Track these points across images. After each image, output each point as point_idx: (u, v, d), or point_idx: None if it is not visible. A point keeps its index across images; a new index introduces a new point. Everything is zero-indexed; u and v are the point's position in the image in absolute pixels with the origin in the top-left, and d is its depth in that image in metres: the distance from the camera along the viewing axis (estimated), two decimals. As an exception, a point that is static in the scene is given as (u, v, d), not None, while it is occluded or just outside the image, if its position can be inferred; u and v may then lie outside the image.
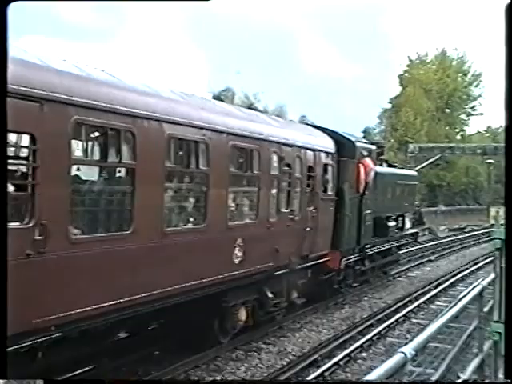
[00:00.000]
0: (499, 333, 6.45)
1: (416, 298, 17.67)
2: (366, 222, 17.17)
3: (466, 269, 24.19)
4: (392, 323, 14.67)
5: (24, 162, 6.80)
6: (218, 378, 10.30)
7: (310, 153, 13.78)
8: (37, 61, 7.22)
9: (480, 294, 8.53)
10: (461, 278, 21.94)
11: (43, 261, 6.89)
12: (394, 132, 58.65)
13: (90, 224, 7.85)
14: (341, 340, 12.89)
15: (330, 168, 14.99)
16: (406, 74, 64.24)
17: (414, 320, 15.31)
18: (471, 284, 13.91)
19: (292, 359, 11.52)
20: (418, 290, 18.97)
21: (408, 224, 22.13)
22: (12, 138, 6.71)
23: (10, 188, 6.63)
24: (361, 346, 12.59)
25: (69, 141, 7.24)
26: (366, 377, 4.28)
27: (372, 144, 19.07)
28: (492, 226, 37.58)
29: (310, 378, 10.56)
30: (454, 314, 7.16)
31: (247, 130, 11.17)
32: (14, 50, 6.99)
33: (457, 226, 48.87)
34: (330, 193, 15.11)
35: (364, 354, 12.28)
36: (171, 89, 10.04)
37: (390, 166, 21.83)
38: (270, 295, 12.65)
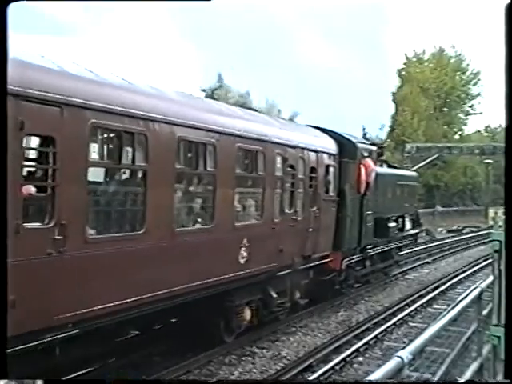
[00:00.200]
0: (498, 336, 6.41)
1: (413, 301, 17.76)
2: (367, 223, 17.66)
3: (465, 271, 24.37)
4: (389, 327, 14.70)
5: (45, 164, 7.23)
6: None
7: (312, 154, 14.26)
8: (55, 66, 7.66)
9: (479, 296, 8.57)
10: (459, 280, 22.07)
11: (62, 259, 7.33)
12: (391, 131, 58.74)
13: (104, 224, 8.30)
14: (337, 344, 12.92)
15: (331, 169, 15.47)
16: (403, 73, 64.44)
17: (412, 323, 15.37)
18: (470, 287, 14.36)
19: (287, 364, 11.55)
20: (416, 293, 19.07)
21: (408, 225, 22.64)
22: (35, 141, 7.14)
23: (32, 189, 7.09)
24: (357, 350, 12.62)
25: (86, 144, 7.68)
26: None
27: (372, 144, 19.56)
28: (491, 227, 37.95)
29: (305, 382, 10.77)
30: (452, 318, 7.21)
31: (253, 131, 11.64)
32: (31, 55, 7.47)
33: (455, 228, 49.06)
34: (331, 193, 15.60)
35: (360, 359, 12.31)
36: (180, 91, 10.49)
37: (389, 166, 22.38)
38: (274, 295, 13.09)
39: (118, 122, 8.17)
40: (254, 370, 11.18)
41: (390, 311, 16.34)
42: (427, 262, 27.23)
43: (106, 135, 8.25)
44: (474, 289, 8.76)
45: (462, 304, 7.99)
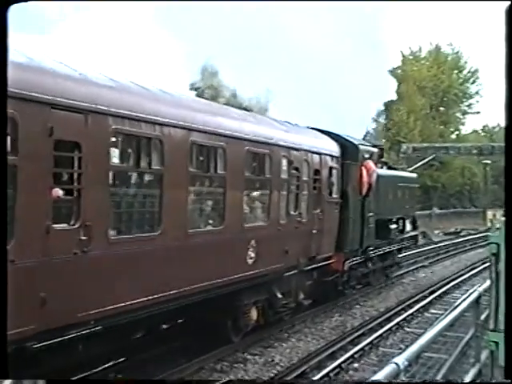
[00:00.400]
0: (496, 342, 6.31)
1: (410, 306, 17.85)
2: (369, 225, 18.32)
3: (462, 275, 24.56)
4: (385, 332, 14.72)
5: (71, 168, 7.83)
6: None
7: (316, 156, 14.90)
8: (77, 74, 8.26)
9: (476, 301, 8.83)
10: (456, 284, 22.24)
11: (87, 259, 7.93)
12: (386, 131, 58.63)
13: (123, 225, 8.90)
14: (331, 350, 12.97)
15: (334, 171, 16.13)
16: (399, 71, 64.43)
17: (408, 329, 15.42)
18: (467, 291, 14.21)
19: (280, 371, 11.63)
20: (412, 298, 19.20)
21: (408, 226, 23.32)
22: (62, 146, 7.73)
23: (60, 192, 7.69)
24: (352, 356, 12.67)
25: (108, 148, 8.30)
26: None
27: (373, 146, 20.22)
28: (489, 229, 36.80)
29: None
30: (449, 323, 7.39)
31: (260, 135, 12.28)
32: (56, 63, 8.08)
33: (452, 230, 49.21)
34: (334, 195, 16.25)
35: (355, 365, 12.37)
36: (192, 96, 11.10)
37: (390, 168, 23.06)
38: (279, 295, 13.71)
39: (136, 127, 8.78)
40: (246, 377, 11.31)
41: (386, 316, 16.43)
42: (423, 266, 27.42)
43: (125, 140, 8.84)
44: (472, 293, 8.99)
45: (459, 309, 8.13)
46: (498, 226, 6.60)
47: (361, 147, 17.75)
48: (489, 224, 44.49)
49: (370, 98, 25.51)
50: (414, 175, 27.47)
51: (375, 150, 19.56)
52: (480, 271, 24.70)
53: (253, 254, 12.03)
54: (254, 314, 12.96)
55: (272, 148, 12.66)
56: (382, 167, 20.88)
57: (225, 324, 12.48)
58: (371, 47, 25.63)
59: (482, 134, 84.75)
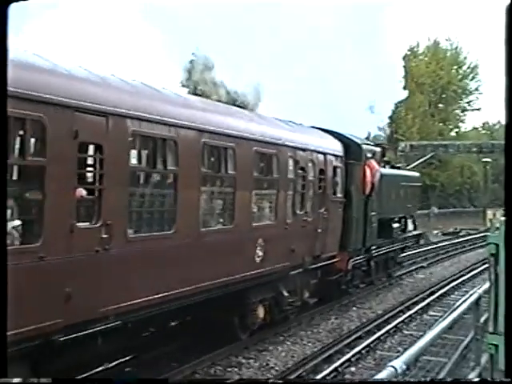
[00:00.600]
0: (495, 345, 6.25)
1: (408, 308, 17.93)
2: (372, 224, 18.93)
3: (462, 275, 24.68)
4: (382, 335, 14.77)
5: (93, 169, 8.40)
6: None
7: (321, 156, 15.50)
8: (98, 78, 8.83)
9: (476, 302, 8.82)
10: (456, 285, 22.28)
11: (107, 256, 8.49)
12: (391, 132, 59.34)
13: (140, 224, 9.47)
14: (327, 353, 13.03)
15: (338, 170, 16.73)
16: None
17: (406, 331, 15.47)
18: (467, 292, 15.00)
19: (275, 375, 11.70)
20: (410, 299, 19.30)
21: (410, 226, 23.96)
22: (83, 148, 8.29)
23: (83, 192, 8.26)
24: (349, 359, 12.71)
25: (127, 150, 8.87)
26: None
27: (376, 145, 20.83)
28: (489, 229, 37.71)
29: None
30: (448, 325, 7.29)
31: (267, 135, 12.87)
32: (77, 67, 8.65)
33: (451, 230, 49.18)
34: (338, 195, 16.86)
35: (352, 369, 12.42)
36: (201, 98, 11.69)
37: (392, 167, 23.69)
38: (285, 294, 14.29)
39: (152, 129, 9.35)
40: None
41: (383, 318, 16.50)
42: (422, 267, 27.54)
43: (142, 142, 9.41)
44: (472, 294, 9.06)
45: (458, 310, 8.11)
46: (497, 225, 6.39)
47: (364, 146, 18.35)
48: (488, 224, 44.10)
49: (369, 95, 25.93)
50: (417, 174, 28.12)
51: (378, 149, 20.19)
52: (480, 272, 24.89)
53: (261, 253, 12.60)
54: (261, 311, 13.52)
55: (279, 148, 13.25)
56: (384, 166, 21.47)
57: (232, 322, 13.03)
58: (370, 43, 26.15)
59: (482, 131, 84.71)
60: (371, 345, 13.93)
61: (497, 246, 6.18)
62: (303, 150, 14.47)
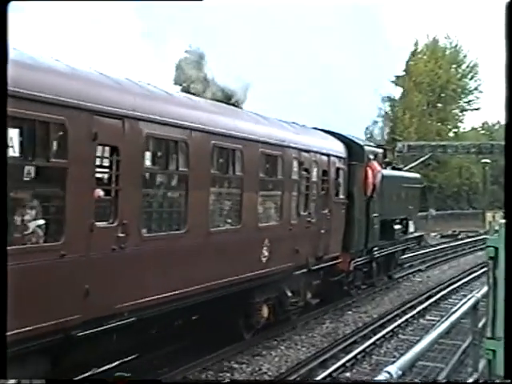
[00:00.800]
0: (493, 351, 6.23)
1: (404, 312, 18.08)
2: (374, 225, 19.51)
3: (460, 279, 24.92)
4: (378, 340, 14.88)
5: (110, 170, 8.93)
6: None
7: (324, 157, 16.08)
8: (114, 82, 9.37)
9: (474, 307, 8.84)
10: (454, 289, 22.48)
11: (123, 255, 9.03)
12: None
13: (153, 224, 10.02)
14: (322, 358, 13.11)
15: (341, 172, 17.31)
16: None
17: (402, 336, 15.62)
18: (465, 296, 14.66)
19: (267, 380, 11.82)
20: (407, 303, 19.44)
21: (412, 227, 24.56)
22: (101, 149, 8.83)
23: (101, 193, 8.79)
24: (344, 364, 12.82)
25: (142, 152, 9.41)
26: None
27: (377, 146, 21.42)
28: (488, 232, 37.56)
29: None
30: (445, 330, 7.30)
31: (273, 137, 13.44)
32: (94, 71, 9.18)
33: (449, 233, 49.25)
34: (341, 196, 17.45)
35: (347, 374, 12.54)
36: (210, 101, 12.24)
37: (394, 168, 24.30)
38: (289, 294, 14.84)
39: (165, 131, 9.89)
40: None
41: (379, 323, 16.65)
42: (420, 270, 27.73)
43: (156, 144, 9.95)
44: (470, 298, 9.00)
45: (456, 315, 8.09)
46: (496, 228, 6.39)
47: (366, 148, 18.93)
48: (487, 226, 44.79)
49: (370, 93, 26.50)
50: (418, 176, 28.75)
51: (380, 150, 20.77)
52: (478, 276, 25.12)
53: (266, 253, 13.16)
54: (265, 311, 14.07)
55: (284, 150, 13.81)
56: (385, 167, 22.04)
57: (237, 321, 13.57)
58: (369, 42, 26.72)
59: (482, 131, 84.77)
60: (367, 350, 14.07)
61: (496, 249, 6.16)
62: (307, 151, 15.03)
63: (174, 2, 19.33)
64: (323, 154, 16.07)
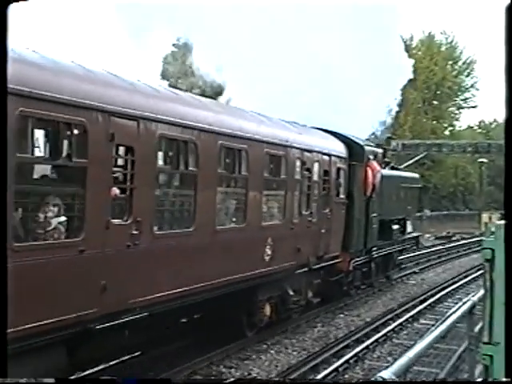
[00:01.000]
0: (490, 356, 6.10)
1: (398, 316, 18.18)
2: (373, 225, 20.20)
3: (455, 282, 25.17)
4: (371, 344, 14.96)
5: (125, 169, 9.55)
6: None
7: (325, 157, 16.76)
8: (128, 84, 9.99)
9: (470, 311, 8.84)
10: (449, 292, 22.64)
11: (137, 251, 9.65)
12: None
13: (164, 222, 10.66)
14: (313, 363, 13.19)
15: (342, 172, 18.01)
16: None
17: (396, 340, 15.72)
18: (460, 299, 15.21)
19: None
20: (401, 307, 19.61)
21: (410, 228, 25.27)
22: (118, 149, 9.45)
23: (117, 191, 9.41)
24: (336, 369, 12.88)
25: (155, 152, 10.04)
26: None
27: (377, 146, 22.11)
28: (484, 233, 36.76)
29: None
30: (440, 334, 7.27)
31: (277, 137, 14.10)
32: (109, 74, 9.80)
33: (444, 234, 49.37)
34: (341, 196, 18.15)
35: (339, 379, 12.58)
36: (217, 102, 12.87)
37: (392, 168, 25.01)
38: (290, 293, 15.50)
39: (176, 132, 10.53)
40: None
41: (373, 326, 16.74)
42: (414, 272, 27.98)
43: (167, 144, 10.59)
44: (465, 302, 9.03)
45: (451, 319, 8.08)
46: (492, 229, 6.24)
47: (366, 148, 19.60)
48: (483, 228, 44.68)
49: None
50: (416, 175, 29.54)
51: (379, 150, 21.46)
52: (474, 279, 25.50)
53: (269, 251, 13.81)
54: (267, 309, 14.72)
55: (287, 150, 14.47)
56: (384, 167, 22.73)
57: (240, 319, 14.22)
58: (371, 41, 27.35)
59: (478, 130, 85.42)
60: (359, 354, 14.16)
61: (492, 251, 6.08)
62: (309, 151, 15.69)
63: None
64: (324, 153, 16.74)
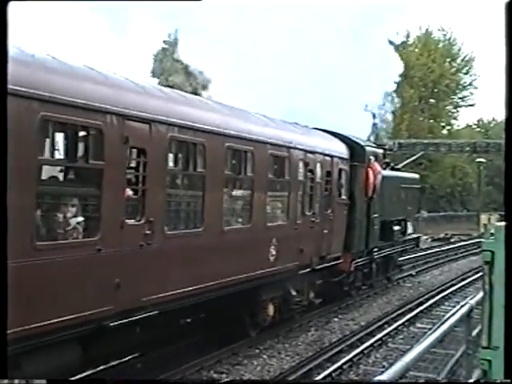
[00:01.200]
0: (489, 361, 6.13)
1: (394, 319, 18.23)
2: (374, 226, 20.80)
3: (453, 285, 25.30)
4: (366, 348, 14.99)
5: (138, 171, 10.11)
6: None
7: (328, 159, 17.37)
8: (140, 88, 10.57)
9: (468, 314, 8.90)
10: (446, 295, 22.79)
11: (149, 250, 10.22)
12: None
13: (175, 222, 11.23)
14: (306, 368, 13.24)
15: (344, 173, 18.63)
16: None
17: (392, 345, 15.76)
18: (458, 303, 15.51)
19: None
20: (397, 310, 19.64)
21: (410, 228, 25.90)
22: (131, 152, 10.01)
23: (130, 192, 9.97)
24: (329, 375, 12.88)
25: (165, 154, 10.61)
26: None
27: (377, 146, 22.73)
28: (482, 235, 35.84)
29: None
30: (437, 338, 7.31)
31: (281, 139, 14.69)
32: (123, 78, 10.36)
33: (441, 236, 49.57)
34: (343, 197, 18.77)
35: None
36: (225, 104, 13.47)
37: (393, 169, 25.63)
38: (293, 293, 16.08)
39: (186, 134, 11.11)
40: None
41: (368, 331, 16.81)
42: (410, 275, 28.04)
43: (177, 146, 11.16)
44: (463, 305, 9.12)
45: (448, 323, 8.10)
46: (491, 231, 6.31)
47: (367, 148, 20.21)
48: (482, 230, 44.76)
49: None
50: (416, 176, 30.18)
51: (380, 150, 22.08)
52: (472, 282, 25.80)
53: (274, 252, 14.40)
54: (271, 309, 15.29)
55: (291, 151, 15.07)
56: (385, 168, 23.34)
57: (244, 318, 14.78)
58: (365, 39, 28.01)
59: (476, 129, 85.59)
60: (354, 359, 14.21)
61: (492, 253, 6.11)
62: (312, 152, 16.30)
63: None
64: (327, 154, 17.35)
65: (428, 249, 39.06)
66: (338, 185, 18.35)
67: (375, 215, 20.90)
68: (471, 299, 9.36)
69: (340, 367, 13.49)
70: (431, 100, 68.64)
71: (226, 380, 12.44)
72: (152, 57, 56.16)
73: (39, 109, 7.99)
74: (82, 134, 8.87)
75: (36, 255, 8.05)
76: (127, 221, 9.76)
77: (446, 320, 8.30)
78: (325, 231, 17.29)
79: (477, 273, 26.24)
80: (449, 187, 69.83)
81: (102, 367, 11.52)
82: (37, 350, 8.36)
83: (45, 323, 8.24)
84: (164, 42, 53.65)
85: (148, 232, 10.16)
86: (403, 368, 5.57)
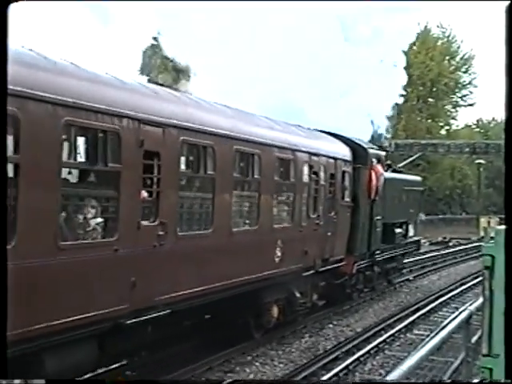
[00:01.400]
0: (489, 369, 6.09)
1: (391, 326, 18.33)
2: (376, 228, 21.46)
3: (451, 290, 25.52)
4: (362, 356, 15.02)
5: (153, 174, 10.75)
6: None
7: (331, 161, 18.04)
8: (152, 91, 11.21)
9: (467, 321, 8.93)
10: (444, 301, 22.96)
11: (162, 251, 10.85)
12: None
13: (186, 223, 11.87)
14: (301, 376, 13.28)
15: (347, 175, 19.29)
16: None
17: (389, 352, 15.81)
18: (457, 309, 15.73)
19: None
20: (393, 316, 19.74)
21: (411, 231, 26.57)
22: (146, 155, 10.63)
23: (145, 194, 10.60)
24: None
25: (178, 157, 11.26)
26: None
27: (379, 148, 23.39)
28: (482, 239, 36.04)
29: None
30: (436, 345, 7.29)
31: (286, 142, 15.33)
32: (136, 82, 11.00)
33: (440, 239, 49.83)
34: (347, 199, 19.42)
35: None
36: (232, 107, 14.12)
37: (394, 171, 26.29)
38: (297, 295, 16.72)
39: (197, 137, 11.76)
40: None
41: (364, 337, 16.86)
42: (407, 280, 28.37)
43: (188, 149, 11.81)
44: (462, 311, 9.21)
45: (447, 329, 8.11)
46: (491, 234, 6.26)
47: (370, 151, 20.88)
48: (481, 233, 45.09)
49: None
50: (418, 178, 30.86)
51: (383, 153, 22.75)
52: (470, 287, 26.11)
53: (279, 253, 15.05)
54: (275, 311, 15.92)
55: (296, 154, 15.72)
56: (386, 170, 23.99)
57: (248, 320, 15.39)
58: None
59: (476, 129, 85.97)
60: (349, 367, 14.21)
61: (492, 257, 6.09)
62: (316, 154, 16.96)
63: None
64: (331, 157, 18.01)
65: (426, 253, 39.19)
66: (342, 187, 19.01)
67: (377, 217, 21.55)
68: (470, 305, 9.48)
69: (335, 375, 13.48)
70: (429, 99, 68.91)
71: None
72: (141, 53, 56.38)
73: (63, 114, 8.62)
74: (101, 137, 9.49)
75: (59, 255, 8.68)
76: (143, 222, 10.39)
77: (444, 326, 8.35)
78: (328, 233, 17.94)
79: (476, 278, 26.63)
80: (447, 189, 70.10)
81: (113, 366, 12.17)
82: (59, 346, 8.98)
83: (66, 320, 8.86)
84: (153, 38, 53.74)
85: (161, 233, 10.79)
86: (401, 376, 5.57)
